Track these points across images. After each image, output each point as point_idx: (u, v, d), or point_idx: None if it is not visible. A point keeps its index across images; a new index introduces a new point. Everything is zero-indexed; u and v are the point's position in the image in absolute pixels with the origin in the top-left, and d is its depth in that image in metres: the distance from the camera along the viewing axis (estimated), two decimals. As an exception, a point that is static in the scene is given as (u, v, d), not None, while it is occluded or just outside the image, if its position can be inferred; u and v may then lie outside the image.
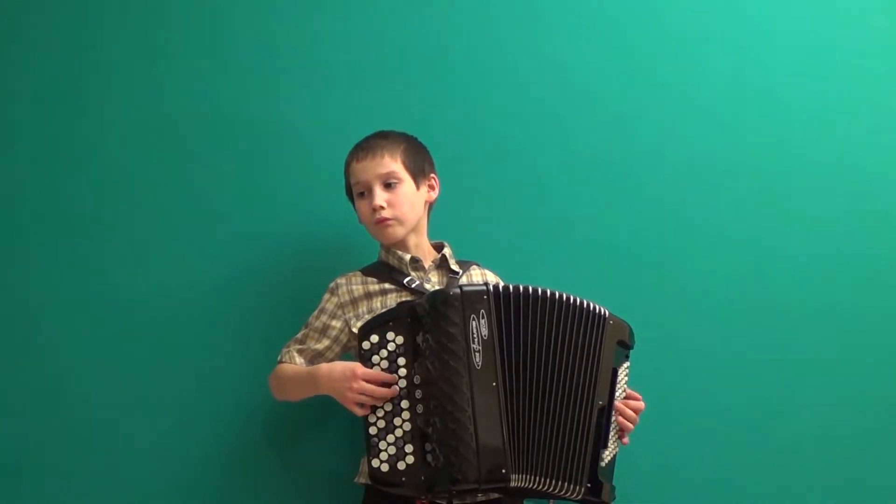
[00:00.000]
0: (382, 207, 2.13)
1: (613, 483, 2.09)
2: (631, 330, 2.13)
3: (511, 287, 2.00)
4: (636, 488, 2.35)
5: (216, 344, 2.33)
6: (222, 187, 2.39)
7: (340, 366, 2.03)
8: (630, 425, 2.13)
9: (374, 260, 2.23)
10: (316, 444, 2.34)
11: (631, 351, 2.14)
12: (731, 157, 2.52)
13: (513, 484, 1.95)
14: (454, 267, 2.20)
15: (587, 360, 2.03)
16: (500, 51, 2.50)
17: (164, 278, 2.34)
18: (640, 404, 2.16)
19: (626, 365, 2.13)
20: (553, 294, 2.02)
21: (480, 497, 2.05)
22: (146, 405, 2.30)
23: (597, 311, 2.05)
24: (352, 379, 1.97)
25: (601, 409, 2.04)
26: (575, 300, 2.03)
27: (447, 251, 2.22)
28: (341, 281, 2.18)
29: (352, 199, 2.22)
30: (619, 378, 2.10)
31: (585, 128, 2.50)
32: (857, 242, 2.53)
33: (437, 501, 2.01)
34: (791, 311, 2.49)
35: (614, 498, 2.09)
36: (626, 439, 2.14)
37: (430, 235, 2.26)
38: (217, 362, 2.33)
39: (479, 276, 2.22)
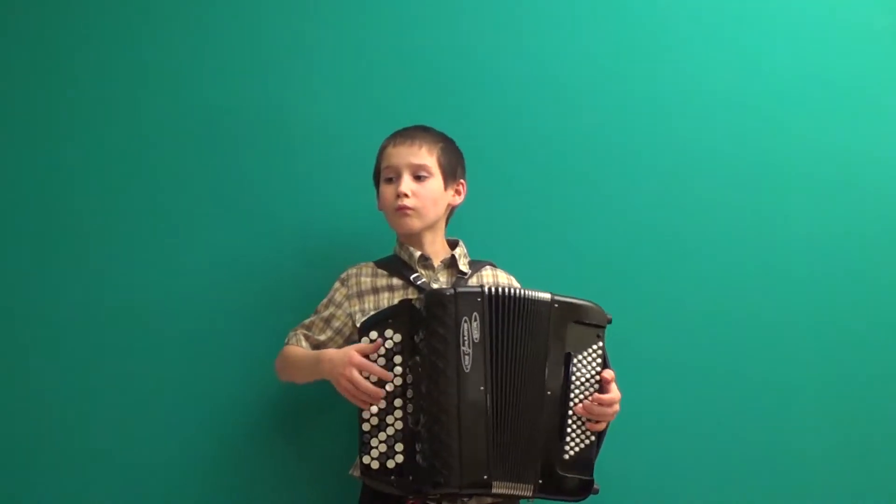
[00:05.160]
0: (406, 195, 2.12)
1: (591, 477, 1.98)
2: (591, 308, 2.01)
3: (502, 289, 1.98)
4: (634, 488, 2.35)
5: (218, 333, 2.34)
6: (236, 175, 2.39)
7: (342, 351, 2.01)
8: (598, 421, 1.99)
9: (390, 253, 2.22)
10: (316, 434, 2.34)
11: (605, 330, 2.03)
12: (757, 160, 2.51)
13: (496, 490, 1.92)
14: (463, 267, 2.17)
15: (537, 349, 1.98)
16: (531, 50, 2.49)
17: (166, 268, 2.35)
18: (609, 397, 2.00)
19: (593, 347, 2.02)
20: (529, 293, 1.99)
21: (472, 501, 2.03)
22: (145, 395, 2.32)
23: (539, 297, 1.99)
24: (347, 365, 1.97)
25: (553, 399, 1.97)
26: (531, 293, 1.99)
27: (458, 251, 2.19)
28: (352, 271, 2.18)
29: (377, 184, 2.20)
30: (580, 360, 2.00)
31: (611, 130, 2.49)
32: (858, 242, 2.50)
33: (428, 501, 2.00)
34: (791, 312, 2.46)
35: (593, 492, 1.98)
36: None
37: (454, 233, 2.25)
38: (219, 352, 2.33)
39: (489, 278, 2.19)
